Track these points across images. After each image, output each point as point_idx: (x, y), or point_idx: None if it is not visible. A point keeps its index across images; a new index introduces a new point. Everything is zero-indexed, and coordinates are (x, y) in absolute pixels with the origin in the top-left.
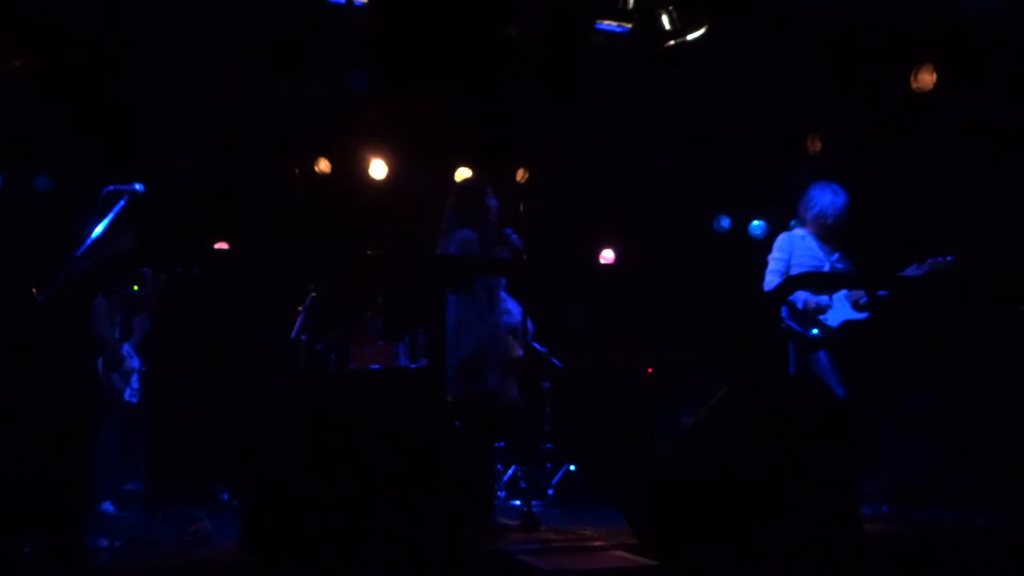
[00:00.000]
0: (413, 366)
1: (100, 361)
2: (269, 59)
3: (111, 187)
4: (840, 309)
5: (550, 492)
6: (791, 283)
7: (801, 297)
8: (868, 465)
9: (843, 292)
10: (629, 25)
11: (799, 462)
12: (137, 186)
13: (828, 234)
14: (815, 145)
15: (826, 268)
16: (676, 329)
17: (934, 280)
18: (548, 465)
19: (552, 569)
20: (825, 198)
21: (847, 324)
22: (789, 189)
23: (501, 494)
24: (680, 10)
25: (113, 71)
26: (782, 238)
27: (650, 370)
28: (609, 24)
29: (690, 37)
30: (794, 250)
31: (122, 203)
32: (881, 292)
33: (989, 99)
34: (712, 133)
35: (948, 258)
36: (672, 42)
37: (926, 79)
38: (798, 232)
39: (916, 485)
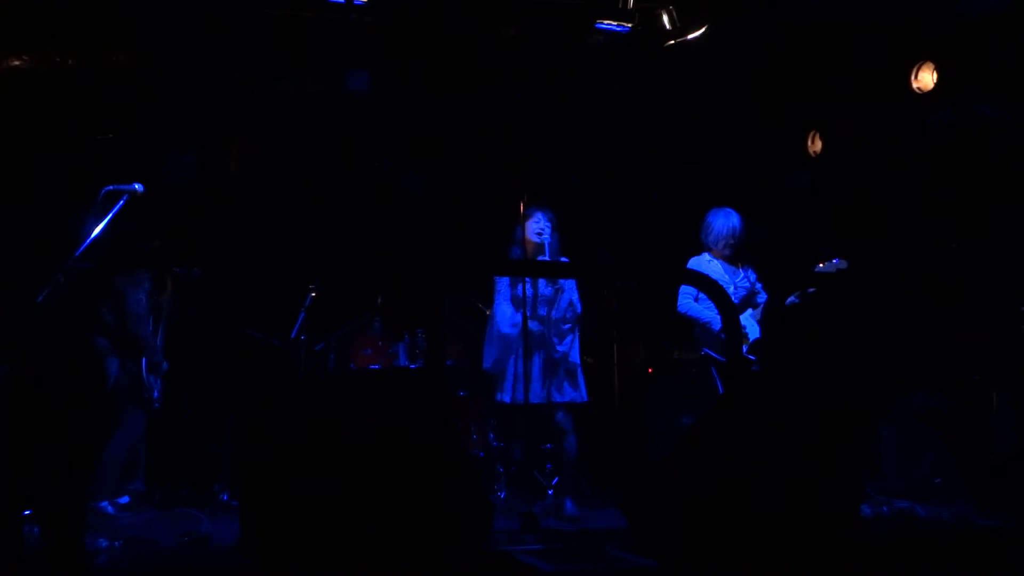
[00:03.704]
0: (413, 366)
1: (144, 363)
2: (269, 57)
3: (110, 187)
4: (751, 328)
5: (550, 492)
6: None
7: (718, 323)
8: (868, 465)
9: (750, 312)
10: (629, 25)
11: (799, 462)
12: (137, 186)
13: (732, 254)
14: (815, 145)
15: (729, 289)
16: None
17: (827, 288)
18: (548, 465)
19: (552, 569)
20: (718, 222)
21: (758, 342)
22: (790, 190)
23: (501, 494)
24: (680, 10)
25: (112, 70)
26: (691, 263)
27: (650, 370)
28: (609, 24)
29: (690, 37)
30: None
31: (121, 203)
32: (792, 299)
33: (988, 99)
34: (712, 133)
35: (835, 260)
36: (672, 42)
37: (926, 79)
38: (705, 257)
39: (916, 485)
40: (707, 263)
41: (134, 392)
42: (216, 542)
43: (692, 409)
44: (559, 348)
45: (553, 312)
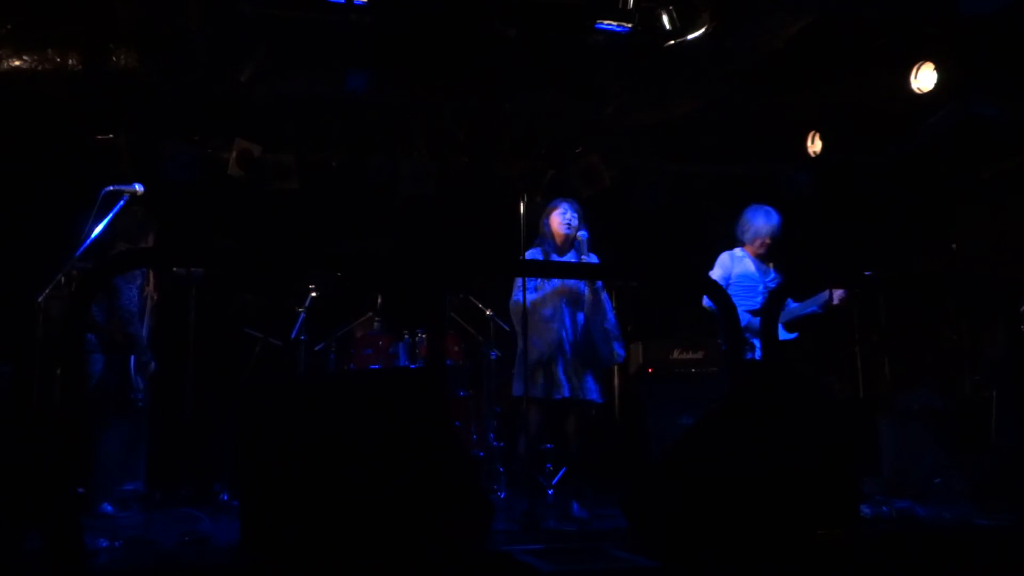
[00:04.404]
0: (413, 366)
1: (132, 361)
2: (269, 57)
3: (111, 187)
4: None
5: (550, 492)
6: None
7: (744, 318)
8: (868, 465)
9: None
10: (629, 25)
11: (799, 462)
12: (137, 186)
13: (765, 253)
14: (815, 145)
15: (759, 287)
16: (677, 329)
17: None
18: (548, 465)
19: (552, 569)
20: (759, 219)
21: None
22: (789, 190)
23: (501, 494)
24: (680, 10)
25: (112, 70)
26: (723, 256)
27: (650, 370)
28: (609, 24)
29: (690, 37)
30: (733, 268)
31: (121, 203)
32: (814, 308)
33: (988, 99)
34: (712, 133)
35: (836, 300)
36: (672, 42)
37: (926, 79)
38: (738, 252)
39: (916, 485)
40: (739, 258)
41: (121, 391)
42: (216, 542)
43: (692, 409)
44: (609, 352)
45: (605, 318)
